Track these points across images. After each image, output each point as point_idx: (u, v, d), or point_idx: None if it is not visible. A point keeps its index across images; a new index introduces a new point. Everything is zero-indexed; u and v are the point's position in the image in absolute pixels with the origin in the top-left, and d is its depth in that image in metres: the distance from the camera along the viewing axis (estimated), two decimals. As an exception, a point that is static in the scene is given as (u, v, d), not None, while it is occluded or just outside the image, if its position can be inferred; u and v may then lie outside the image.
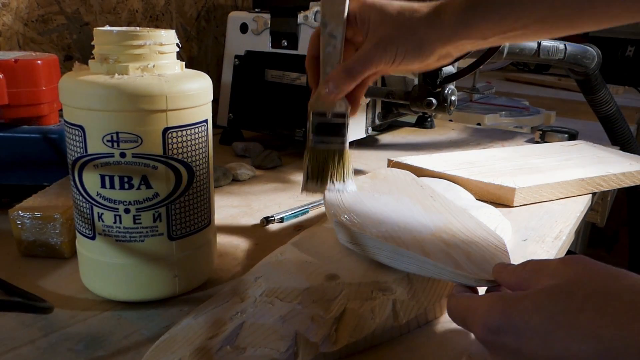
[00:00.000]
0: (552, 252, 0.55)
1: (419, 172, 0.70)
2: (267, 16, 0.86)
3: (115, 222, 0.41)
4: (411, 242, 0.43)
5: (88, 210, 0.41)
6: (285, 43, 0.84)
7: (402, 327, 0.40)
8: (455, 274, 0.38)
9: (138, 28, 0.42)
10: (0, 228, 0.56)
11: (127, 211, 0.40)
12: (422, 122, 1.11)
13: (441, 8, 0.46)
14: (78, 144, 0.40)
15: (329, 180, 0.51)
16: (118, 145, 0.39)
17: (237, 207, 0.65)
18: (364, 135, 0.91)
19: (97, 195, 0.40)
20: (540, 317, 0.29)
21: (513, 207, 0.66)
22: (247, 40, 0.89)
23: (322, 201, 0.62)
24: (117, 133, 0.38)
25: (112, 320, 0.41)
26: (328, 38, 0.49)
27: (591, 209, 0.75)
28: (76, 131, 0.40)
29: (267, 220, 0.60)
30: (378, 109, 0.92)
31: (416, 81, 0.76)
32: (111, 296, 0.44)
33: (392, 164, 0.74)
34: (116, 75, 0.39)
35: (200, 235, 0.44)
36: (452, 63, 0.72)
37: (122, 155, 0.39)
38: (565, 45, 0.86)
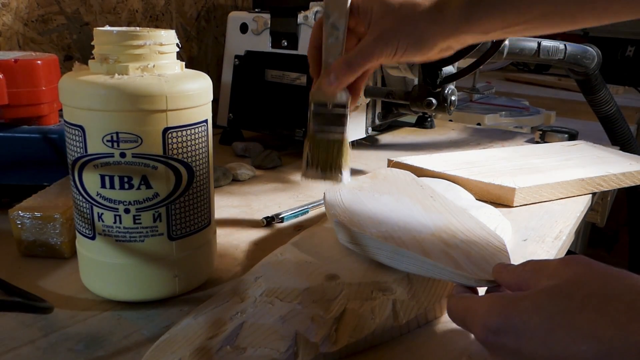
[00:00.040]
0: (552, 252, 0.55)
1: (419, 172, 0.70)
2: (267, 16, 0.86)
3: (115, 222, 0.41)
4: (411, 242, 0.43)
5: (88, 210, 0.41)
6: (285, 43, 0.84)
7: (402, 327, 0.40)
8: (455, 274, 0.38)
9: (138, 28, 0.42)
10: (0, 228, 0.56)
11: (127, 211, 0.40)
12: (422, 122, 1.11)
13: (443, 2, 0.46)
14: (78, 144, 0.40)
15: (327, 168, 0.52)
16: (118, 145, 0.39)
17: (237, 207, 0.65)
18: (364, 135, 0.91)
19: (97, 195, 0.40)
20: (540, 317, 0.29)
21: (513, 207, 0.66)
22: (247, 40, 0.89)
23: (322, 201, 0.62)
24: (117, 133, 0.38)
25: (112, 320, 0.41)
26: (330, 29, 0.49)
27: (591, 209, 0.75)
28: (76, 131, 0.40)
29: (267, 220, 0.60)
30: (378, 109, 0.92)
31: (416, 81, 0.76)
32: (111, 296, 0.44)
33: (392, 164, 0.74)
34: (116, 75, 0.39)
35: (200, 235, 0.44)
36: (453, 62, 0.72)
37: (122, 155, 0.39)
38: (565, 45, 0.86)
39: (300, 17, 0.82)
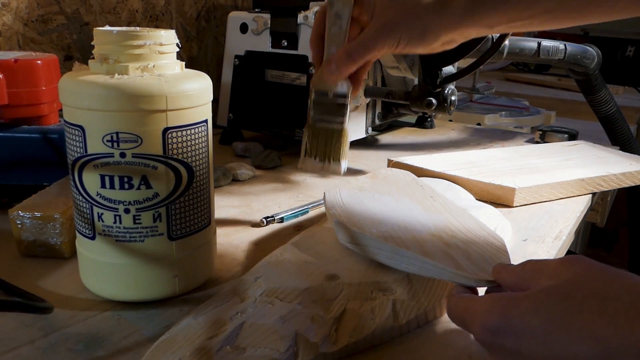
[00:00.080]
0: (552, 252, 0.55)
1: (419, 172, 0.70)
2: (267, 16, 0.86)
3: (115, 222, 0.41)
4: (411, 242, 0.43)
5: (88, 210, 0.41)
6: (285, 43, 0.84)
7: (402, 327, 0.40)
8: (455, 274, 0.38)
9: (138, 28, 0.42)
10: (0, 228, 0.56)
11: (127, 211, 0.40)
12: (422, 122, 1.11)
13: None
14: (78, 144, 0.40)
15: (325, 158, 0.51)
16: (118, 145, 0.39)
17: (237, 207, 0.65)
18: (364, 135, 0.91)
19: (97, 195, 0.40)
20: (539, 318, 0.29)
21: (513, 207, 0.66)
22: (247, 40, 0.89)
23: (322, 201, 0.62)
24: (117, 133, 0.38)
25: (112, 320, 0.41)
26: (334, 18, 0.49)
27: (591, 209, 0.75)
28: (76, 131, 0.40)
29: (267, 220, 0.60)
30: (378, 109, 0.92)
31: (416, 81, 0.76)
32: (111, 296, 0.44)
33: (392, 164, 0.74)
34: (116, 75, 0.39)
35: (200, 235, 0.44)
36: (453, 62, 0.72)
37: (122, 155, 0.39)
38: (565, 45, 0.86)
39: (300, 17, 0.82)
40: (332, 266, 0.45)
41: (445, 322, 0.42)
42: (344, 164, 0.52)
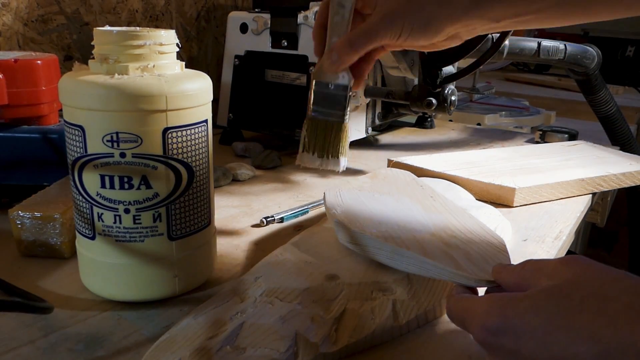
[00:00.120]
0: (552, 252, 0.55)
1: (419, 172, 0.70)
2: (267, 16, 0.86)
3: (115, 222, 0.41)
4: (411, 242, 0.43)
5: (88, 210, 0.41)
6: (285, 43, 0.84)
7: (402, 327, 0.40)
8: (455, 274, 0.38)
9: (138, 28, 0.42)
10: (0, 228, 0.56)
11: (127, 211, 0.40)
12: (422, 122, 1.11)
13: None
14: (78, 144, 0.40)
15: (324, 153, 0.50)
16: (118, 145, 0.39)
17: (237, 207, 0.65)
18: (364, 135, 0.91)
19: (97, 195, 0.40)
20: (538, 318, 0.29)
21: (513, 207, 0.66)
22: (247, 40, 0.89)
23: (322, 201, 0.62)
24: (117, 133, 0.38)
25: (112, 320, 0.41)
26: (337, 7, 0.48)
27: (591, 209, 0.75)
28: (76, 131, 0.40)
29: (267, 220, 0.60)
30: (378, 109, 0.92)
31: (416, 81, 0.76)
32: (111, 296, 0.44)
33: (392, 164, 0.74)
34: (116, 75, 0.39)
35: (200, 235, 0.44)
36: (453, 62, 0.72)
37: (122, 155, 0.39)
38: (565, 45, 0.86)
39: (300, 17, 0.82)
40: (332, 266, 0.45)
41: (445, 322, 0.42)
42: (344, 161, 0.51)
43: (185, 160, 0.41)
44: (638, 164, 0.75)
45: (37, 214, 0.49)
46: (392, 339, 0.40)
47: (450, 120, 1.19)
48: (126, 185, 0.40)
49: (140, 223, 0.41)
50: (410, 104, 0.77)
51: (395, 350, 0.39)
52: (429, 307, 0.41)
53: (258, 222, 0.60)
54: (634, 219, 1.44)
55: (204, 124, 0.43)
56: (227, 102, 0.92)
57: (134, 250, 0.41)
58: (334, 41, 0.49)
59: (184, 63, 0.44)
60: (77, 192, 0.41)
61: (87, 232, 0.42)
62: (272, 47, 0.86)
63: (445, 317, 0.41)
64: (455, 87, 0.75)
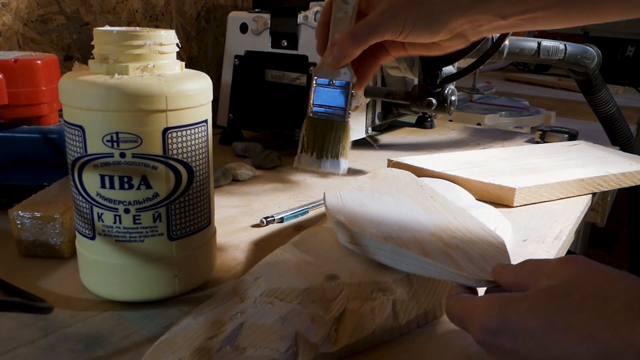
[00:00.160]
0: (552, 252, 0.55)
1: (419, 172, 0.70)
2: (267, 16, 0.86)
3: (115, 222, 0.41)
4: (411, 242, 0.43)
5: (88, 210, 0.41)
6: (285, 43, 0.84)
7: (402, 327, 0.40)
8: (455, 274, 0.38)
9: (138, 28, 0.42)
10: (0, 228, 0.56)
11: (127, 211, 0.40)
12: (422, 122, 1.11)
13: None
14: (78, 144, 0.40)
15: (324, 154, 0.49)
16: (118, 145, 0.39)
17: (237, 207, 0.65)
18: (364, 135, 0.91)
19: (97, 195, 0.40)
20: (537, 318, 0.29)
21: (513, 207, 0.66)
22: (247, 40, 0.89)
23: (322, 201, 0.62)
24: (117, 133, 0.38)
25: (112, 320, 0.41)
26: (340, 3, 0.48)
27: (591, 209, 0.75)
28: (76, 131, 0.40)
29: (267, 220, 0.60)
30: (378, 109, 0.92)
31: (416, 81, 0.76)
32: (111, 296, 0.44)
33: (392, 164, 0.74)
34: (116, 75, 0.39)
35: (200, 236, 0.44)
36: (453, 62, 0.71)
37: (122, 155, 0.39)
38: (565, 45, 0.86)
39: (300, 17, 0.82)
40: (332, 266, 0.45)
41: (445, 322, 0.42)
42: (344, 163, 0.49)
43: (185, 160, 0.41)
44: (638, 164, 0.75)
45: (37, 214, 0.49)
46: (392, 339, 0.40)
47: (450, 120, 1.19)
48: (126, 185, 0.40)
49: (140, 223, 0.41)
50: (410, 104, 0.77)
51: (395, 350, 0.39)
52: (429, 307, 0.41)
53: (258, 222, 0.60)
54: (634, 219, 1.44)
55: (204, 124, 0.43)
56: (227, 102, 0.92)
57: (134, 250, 0.41)
58: (336, 37, 0.48)
59: (184, 63, 0.44)
60: (77, 192, 0.41)
61: (87, 232, 0.42)
62: (272, 47, 0.86)
63: (445, 317, 0.41)
64: (455, 87, 0.75)
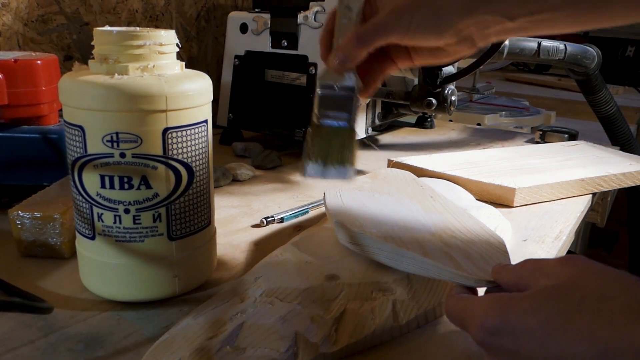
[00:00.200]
0: (552, 252, 0.55)
1: (419, 172, 0.70)
2: (267, 16, 0.86)
3: (115, 222, 0.41)
4: (411, 242, 0.43)
5: (88, 211, 0.41)
6: (285, 43, 0.84)
7: (402, 327, 0.40)
8: (455, 274, 0.38)
9: (138, 28, 0.42)
10: (0, 228, 0.56)
11: (126, 211, 0.40)
12: (422, 122, 1.11)
13: None
14: (78, 144, 0.40)
15: (330, 162, 0.48)
16: (118, 146, 0.39)
17: (237, 207, 0.65)
18: (364, 136, 0.91)
19: (97, 195, 0.40)
20: (537, 318, 0.29)
21: (513, 207, 0.66)
22: (247, 40, 0.89)
23: (322, 201, 0.62)
24: (117, 133, 0.38)
25: (112, 320, 0.41)
26: (344, 10, 0.47)
27: (591, 209, 0.75)
28: (76, 131, 0.40)
29: (267, 220, 0.60)
30: (378, 109, 0.92)
31: (416, 81, 0.76)
32: (111, 296, 0.44)
33: (392, 164, 0.74)
34: (116, 75, 0.39)
35: (200, 236, 0.44)
36: (453, 62, 0.72)
37: (122, 155, 0.39)
38: (565, 45, 0.86)
39: (300, 17, 0.82)
40: (332, 266, 0.45)
41: (445, 322, 0.42)
42: (351, 171, 0.48)
43: (185, 160, 0.41)
44: (638, 164, 0.75)
45: (37, 214, 0.49)
46: (392, 339, 0.40)
47: (450, 120, 1.19)
48: (126, 186, 0.40)
49: (140, 223, 0.41)
50: (410, 104, 0.77)
51: (395, 350, 0.39)
52: (429, 307, 0.41)
53: (258, 222, 0.60)
54: (634, 219, 1.45)
55: (204, 124, 0.43)
56: (227, 102, 0.92)
57: (134, 250, 0.41)
58: (340, 42, 0.47)
59: (184, 63, 0.44)
60: (77, 192, 0.41)
61: (87, 232, 0.42)
62: (272, 47, 0.86)
63: (445, 317, 0.41)
64: (455, 87, 0.76)
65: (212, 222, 0.46)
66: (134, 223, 0.41)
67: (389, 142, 0.99)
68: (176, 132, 0.40)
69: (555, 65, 0.93)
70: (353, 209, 0.50)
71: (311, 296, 0.40)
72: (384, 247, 0.43)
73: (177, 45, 0.43)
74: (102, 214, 0.41)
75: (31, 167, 0.60)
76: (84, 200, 0.41)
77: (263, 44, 0.87)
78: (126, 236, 0.41)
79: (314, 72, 0.80)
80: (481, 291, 0.38)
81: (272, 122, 0.88)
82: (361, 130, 0.90)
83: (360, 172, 0.77)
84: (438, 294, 0.43)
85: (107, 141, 0.39)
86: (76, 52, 0.86)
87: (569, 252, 0.64)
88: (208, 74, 0.45)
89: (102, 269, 0.42)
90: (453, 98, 0.74)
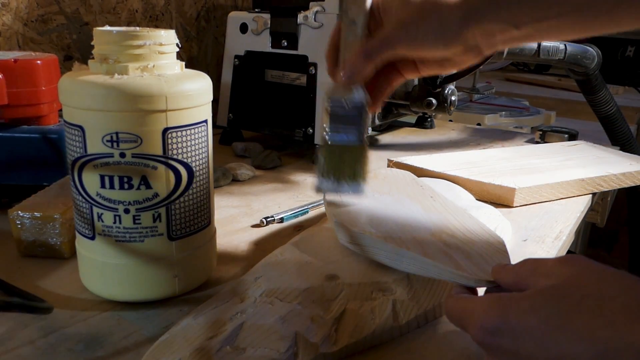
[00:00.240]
0: (552, 252, 0.55)
1: (419, 172, 0.70)
2: (267, 16, 0.86)
3: (115, 222, 0.41)
4: (411, 242, 0.43)
5: (88, 211, 0.41)
6: (285, 43, 0.84)
7: (402, 327, 0.40)
8: (455, 274, 0.38)
9: (138, 28, 0.42)
10: (0, 228, 0.56)
11: (126, 211, 0.40)
12: (422, 122, 1.11)
13: None
14: (78, 144, 0.40)
15: (341, 177, 0.48)
16: (118, 146, 0.39)
17: (237, 207, 0.65)
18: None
19: (97, 195, 0.40)
20: (536, 318, 0.29)
21: (513, 207, 0.65)
22: (247, 40, 0.89)
23: (322, 201, 0.62)
24: (116, 133, 0.38)
25: (112, 320, 0.41)
26: (349, 25, 0.47)
27: (591, 209, 0.75)
28: (76, 131, 0.40)
29: (267, 220, 0.60)
30: (378, 109, 0.92)
31: (416, 81, 0.76)
32: (111, 296, 0.44)
33: (392, 164, 0.74)
34: (116, 75, 0.39)
35: (200, 236, 0.44)
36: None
37: (122, 155, 0.39)
38: (565, 45, 0.86)
39: (300, 17, 0.82)
40: (332, 266, 0.45)
41: (445, 322, 0.42)
42: (363, 186, 0.48)
43: (185, 160, 0.41)
44: (638, 164, 0.75)
45: (37, 214, 0.49)
46: (392, 339, 0.40)
47: (450, 120, 1.19)
48: (126, 186, 0.40)
49: (140, 223, 0.41)
50: (410, 104, 0.77)
51: (395, 350, 0.39)
52: (429, 307, 0.41)
53: (258, 222, 0.60)
54: (634, 219, 1.45)
55: (204, 124, 0.43)
56: (227, 102, 0.92)
57: (133, 250, 0.41)
58: (347, 57, 0.47)
59: (184, 63, 0.44)
60: (77, 192, 0.41)
61: (87, 232, 0.42)
62: (272, 47, 0.86)
63: (445, 317, 0.41)
64: (455, 87, 0.75)
65: (212, 222, 0.46)
66: (134, 223, 0.41)
67: (389, 142, 0.99)
68: (176, 132, 0.40)
69: (555, 65, 0.93)
70: (353, 209, 0.50)
71: (311, 296, 0.40)
72: (383, 247, 0.43)
73: (177, 45, 0.43)
74: (102, 214, 0.41)
75: (31, 167, 0.60)
76: (83, 200, 0.41)
77: (263, 44, 0.87)
78: (126, 236, 0.41)
79: (314, 72, 0.80)
80: (481, 291, 0.38)
81: (272, 122, 0.88)
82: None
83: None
84: (438, 294, 0.43)
85: (107, 141, 0.39)
86: (76, 52, 0.86)
87: (569, 252, 0.64)
88: (208, 74, 0.45)
89: (102, 269, 0.42)
90: (453, 98, 0.74)
